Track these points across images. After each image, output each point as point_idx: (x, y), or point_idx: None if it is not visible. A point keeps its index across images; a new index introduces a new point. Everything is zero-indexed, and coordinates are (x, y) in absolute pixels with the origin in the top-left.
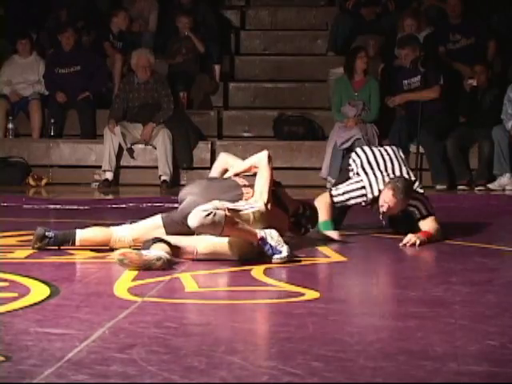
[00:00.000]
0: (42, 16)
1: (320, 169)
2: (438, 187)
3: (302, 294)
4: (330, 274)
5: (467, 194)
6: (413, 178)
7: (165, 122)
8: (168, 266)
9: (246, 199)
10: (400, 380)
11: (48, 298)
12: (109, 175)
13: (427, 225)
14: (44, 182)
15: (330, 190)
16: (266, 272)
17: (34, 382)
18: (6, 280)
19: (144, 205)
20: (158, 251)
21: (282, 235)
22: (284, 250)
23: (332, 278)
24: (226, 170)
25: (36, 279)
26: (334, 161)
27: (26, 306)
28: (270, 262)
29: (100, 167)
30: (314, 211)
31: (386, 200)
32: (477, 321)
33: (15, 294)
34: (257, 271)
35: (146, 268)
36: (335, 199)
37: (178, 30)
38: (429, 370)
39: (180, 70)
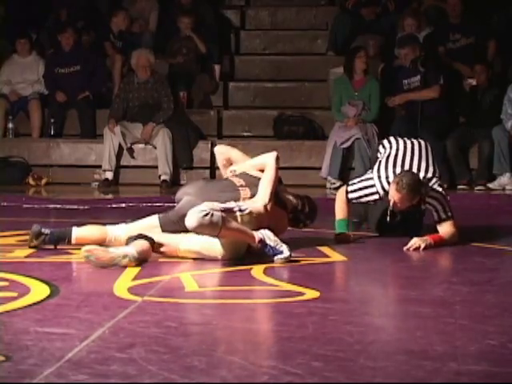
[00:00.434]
0: (42, 16)
1: (320, 168)
2: None
3: (302, 294)
4: (330, 274)
5: (467, 194)
6: (429, 175)
7: (165, 121)
8: (135, 263)
9: (243, 199)
10: (400, 380)
11: (48, 297)
12: (109, 175)
13: (443, 229)
14: (44, 181)
15: (347, 185)
16: (266, 271)
17: (34, 382)
18: (5, 279)
19: (144, 204)
20: (126, 248)
21: (280, 234)
22: (285, 250)
23: (332, 277)
24: (228, 160)
25: (36, 279)
26: (334, 160)
27: (26, 306)
28: (270, 262)
29: (100, 167)
30: (313, 207)
31: (392, 195)
32: (477, 321)
33: (15, 294)
34: (257, 271)
35: (112, 265)
36: (349, 196)
37: (178, 29)
38: (429, 369)
39: (180, 70)
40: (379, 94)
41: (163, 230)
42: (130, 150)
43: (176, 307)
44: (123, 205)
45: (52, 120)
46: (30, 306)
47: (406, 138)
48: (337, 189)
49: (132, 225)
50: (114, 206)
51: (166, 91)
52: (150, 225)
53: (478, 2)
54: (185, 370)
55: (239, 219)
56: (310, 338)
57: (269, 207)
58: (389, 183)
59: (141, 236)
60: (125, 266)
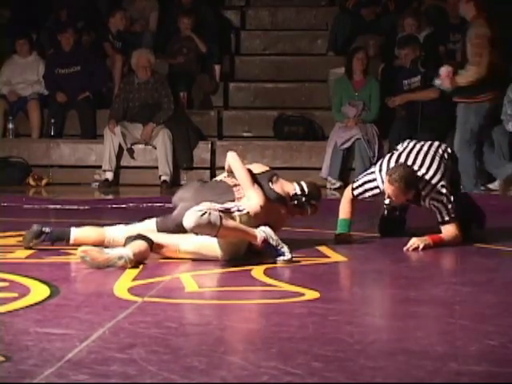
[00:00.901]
0: (42, 16)
1: (320, 169)
2: None
3: (302, 294)
4: (331, 274)
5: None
6: (431, 173)
7: (165, 122)
8: (131, 264)
9: (238, 198)
10: (400, 380)
11: (48, 298)
12: (109, 175)
13: (445, 230)
14: (44, 182)
15: (353, 181)
16: (266, 272)
17: (34, 382)
18: (6, 280)
19: (144, 205)
20: (122, 249)
21: (279, 228)
22: (286, 251)
23: (332, 278)
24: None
25: (36, 279)
26: (335, 161)
27: (26, 306)
28: (270, 262)
29: (100, 167)
30: (312, 186)
31: (385, 188)
32: (477, 321)
33: (15, 294)
34: (257, 271)
35: (107, 266)
36: (354, 192)
37: (178, 29)
38: (429, 369)
39: (180, 70)
40: (379, 95)
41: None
42: (130, 151)
43: (176, 308)
44: (123, 205)
45: (52, 120)
46: (30, 306)
47: (422, 142)
48: (337, 189)
49: (130, 227)
50: (114, 206)
51: (166, 91)
52: (147, 229)
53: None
54: (185, 370)
55: (238, 219)
56: (310, 338)
57: (262, 202)
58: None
59: (139, 236)
60: (121, 267)
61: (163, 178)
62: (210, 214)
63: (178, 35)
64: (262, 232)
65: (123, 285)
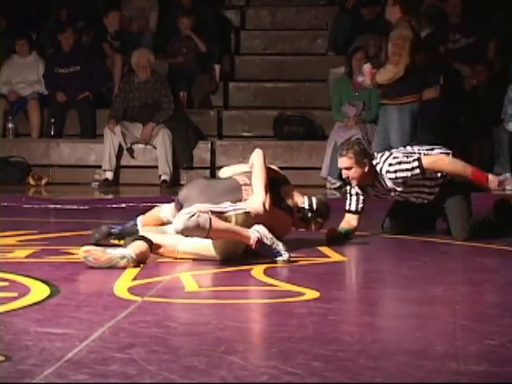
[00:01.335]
0: (42, 16)
1: (320, 169)
2: None
3: (302, 294)
4: (330, 274)
5: None
6: (387, 152)
7: (165, 121)
8: (133, 264)
9: (244, 200)
10: (400, 380)
11: (48, 297)
12: (109, 175)
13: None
14: (44, 181)
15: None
16: (266, 272)
17: (34, 382)
18: (6, 280)
19: (144, 205)
20: (124, 249)
21: (282, 237)
22: (282, 250)
23: (332, 277)
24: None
25: (36, 279)
26: (334, 161)
27: (26, 306)
28: (270, 262)
29: (100, 167)
30: (322, 203)
31: (340, 165)
32: (477, 320)
33: (15, 294)
34: (257, 271)
35: (110, 266)
36: (346, 208)
37: (178, 29)
38: (429, 369)
39: (180, 70)
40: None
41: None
42: (130, 150)
43: (176, 307)
44: (123, 205)
45: (52, 120)
46: (30, 306)
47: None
48: (337, 189)
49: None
50: (114, 206)
51: (166, 91)
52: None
53: (478, 2)
54: (185, 370)
55: (233, 219)
56: (310, 338)
57: (267, 205)
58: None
59: (139, 237)
60: (122, 267)
61: (163, 177)
62: (198, 216)
63: (178, 35)
64: (256, 232)
65: (123, 284)
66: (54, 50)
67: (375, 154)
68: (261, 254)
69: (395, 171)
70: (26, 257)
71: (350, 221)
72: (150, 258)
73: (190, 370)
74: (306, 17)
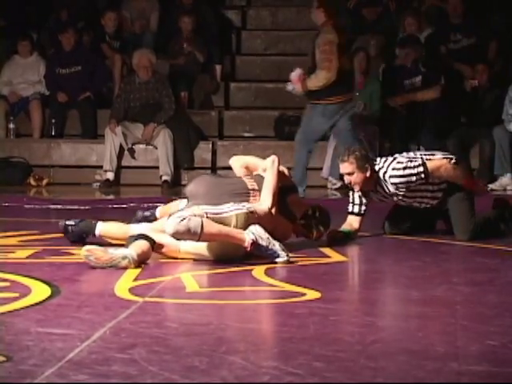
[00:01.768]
0: (42, 16)
1: (321, 169)
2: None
3: (303, 294)
4: (331, 274)
5: None
6: (390, 158)
7: (166, 122)
8: (135, 265)
9: (252, 202)
10: (401, 380)
11: (49, 298)
12: (110, 175)
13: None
14: (45, 182)
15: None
16: (267, 272)
17: (34, 382)
18: (7, 280)
19: (145, 205)
20: (126, 249)
21: (282, 241)
22: (279, 250)
23: (333, 278)
24: (247, 168)
25: (37, 279)
26: (335, 161)
27: (27, 306)
28: (271, 262)
29: (101, 167)
30: (324, 213)
31: (342, 171)
32: (478, 321)
33: (16, 294)
34: (258, 271)
35: (111, 265)
36: (348, 210)
37: (179, 29)
38: (429, 369)
39: (181, 70)
40: (380, 95)
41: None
42: (131, 151)
43: (177, 307)
44: (124, 205)
45: (53, 120)
46: (31, 306)
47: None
48: (338, 189)
49: (153, 225)
50: (115, 206)
51: (167, 91)
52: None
53: (479, 2)
54: (186, 370)
55: (234, 220)
56: (311, 338)
57: (273, 210)
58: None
59: (141, 236)
60: (124, 268)
61: (164, 178)
62: (189, 220)
63: (179, 35)
64: (251, 234)
65: (124, 285)
66: (54, 50)
67: (377, 159)
68: (257, 255)
69: (399, 176)
70: (27, 257)
71: (352, 223)
72: (151, 257)
73: (190, 370)
74: (306, 17)
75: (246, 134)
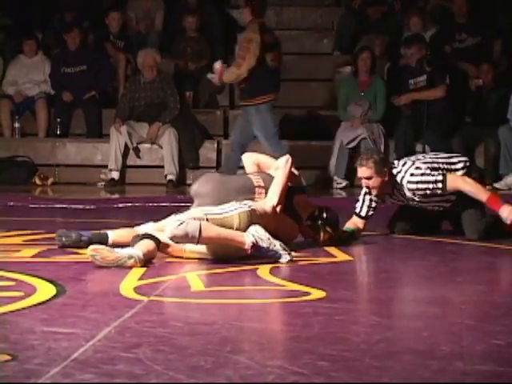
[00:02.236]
0: (47, 16)
1: (326, 168)
2: None
3: (308, 294)
4: (336, 274)
5: None
6: (409, 162)
7: (171, 121)
8: (141, 264)
9: (256, 201)
10: (406, 379)
11: (54, 297)
12: (115, 174)
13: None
14: (50, 181)
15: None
16: (272, 271)
17: (39, 382)
18: (12, 279)
19: (150, 204)
20: (132, 249)
21: (287, 242)
22: (280, 250)
23: (338, 277)
24: (258, 166)
25: (42, 278)
26: (340, 160)
27: (32, 305)
28: (275, 262)
29: (106, 166)
30: (332, 214)
31: (359, 175)
32: (483, 320)
33: (21, 293)
34: (262, 270)
35: (117, 265)
36: (356, 211)
37: (183, 29)
38: (435, 369)
39: (186, 70)
40: (385, 94)
41: None
42: (136, 150)
43: (182, 307)
44: (129, 204)
45: (58, 120)
46: (36, 305)
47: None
48: (343, 188)
49: (158, 224)
50: (120, 205)
51: (172, 91)
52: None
53: (484, 1)
54: (191, 369)
55: (237, 219)
56: (316, 337)
57: (278, 209)
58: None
59: (147, 236)
60: (130, 267)
61: (169, 177)
62: (187, 224)
63: (183, 35)
64: (251, 236)
65: (129, 284)
66: (59, 49)
67: (395, 162)
68: (259, 256)
69: (417, 182)
70: (33, 256)
71: (356, 223)
72: (156, 256)
73: (195, 370)
74: (311, 16)
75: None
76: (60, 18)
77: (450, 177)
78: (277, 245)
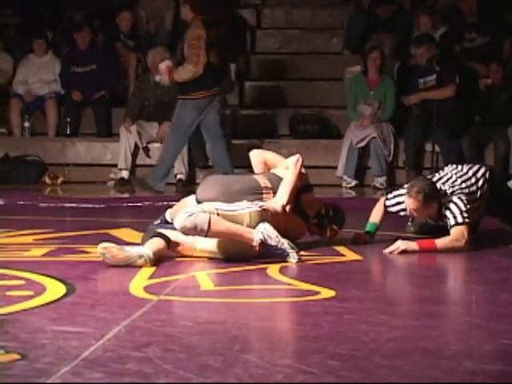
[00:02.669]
0: (57, 15)
1: (336, 167)
2: None
3: (318, 293)
4: (346, 273)
5: None
6: (450, 188)
7: None
8: (151, 264)
9: (264, 200)
10: (415, 379)
11: (64, 296)
12: (125, 174)
13: (449, 233)
14: (60, 180)
15: (386, 198)
16: (282, 270)
17: (49, 381)
18: (22, 278)
19: (160, 203)
20: (142, 248)
21: (296, 240)
22: (288, 248)
23: (347, 276)
24: (265, 164)
25: (52, 277)
26: (350, 160)
27: (42, 305)
28: (285, 261)
29: (116, 166)
30: (338, 211)
31: (407, 203)
32: (492, 320)
33: (31, 293)
34: (272, 269)
35: (127, 264)
36: (388, 210)
37: None
38: (444, 368)
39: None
40: (395, 93)
41: None
42: (146, 149)
43: (191, 306)
44: (139, 204)
45: (68, 119)
46: (45, 304)
47: (461, 165)
48: (352, 188)
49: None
50: (129, 204)
51: None
52: None
53: (494, 1)
54: (200, 368)
55: (247, 217)
56: (326, 336)
57: (287, 208)
58: None
59: (157, 234)
60: (139, 266)
61: (179, 176)
62: (197, 216)
63: None
64: (260, 233)
65: (139, 283)
66: (69, 48)
67: (440, 186)
68: (268, 255)
69: (448, 209)
70: (43, 255)
71: (380, 216)
72: (166, 255)
73: (205, 369)
74: (321, 16)
75: (261, 133)
76: (70, 17)
77: (460, 228)
78: (285, 243)
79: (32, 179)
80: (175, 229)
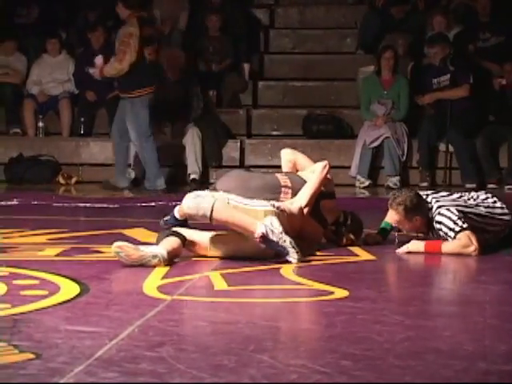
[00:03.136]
0: (71, 15)
1: (349, 167)
2: (468, 186)
3: (331, 293)
4: (359, 273)
5: (497, 193)
6: (440, 200)
7: (194, 120)
8: (165, 263)
9: (281, 201)
10: (429, 379)
11: (78, 295)
12: (138, 173)
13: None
14: (74, 180)
15: None
16: (295, 270)
17: (63, 381)
18: (36, 278)
19: (173, 203)
20: (157, 248)
21: (312, 243)
22: (288, 247)
23: (361, 276)
24: (294, 165)
25: (66, 277)
26: (363, 159)
27: (56, 304)
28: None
29: (129, 165)
30: (356, 221)
31: (389, 213)
32: (506, 320)
33: (45, 292)
34: (286, 269)
35: (141, 264)
36: None
37: (206, 28)
38: (457, 369)
39: (209, 69)
40: (408, 93)
41: None
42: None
43: (205, 306)
44: (152, 203)
45: (82, 119)
46: (59, 304)
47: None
48: (366, 188)
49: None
50: (143, 204)
51: (195, 90)
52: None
53: (508, 0)
54: (214, 368)
55: (262, 215)
56: (339, 336)
57: (305, 211)
58: None
59: (172, 233)
60: (153, 266)
61: (192, 176)
62: (203, 198)
63: (206, 34)
64: (263, 226)
65: (152, 283)
66: (83, 48)
67: (429, 198)
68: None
69: (440, 222)
70: (57, 255)
71: None
72: (181, 254)
73: (219, 369)
74: (335, 15)
75: (274, 133)
76: (84, 17)
77: (463, 235)
78: (287, 241)
79: (46, 179)
80: (189, 227)
